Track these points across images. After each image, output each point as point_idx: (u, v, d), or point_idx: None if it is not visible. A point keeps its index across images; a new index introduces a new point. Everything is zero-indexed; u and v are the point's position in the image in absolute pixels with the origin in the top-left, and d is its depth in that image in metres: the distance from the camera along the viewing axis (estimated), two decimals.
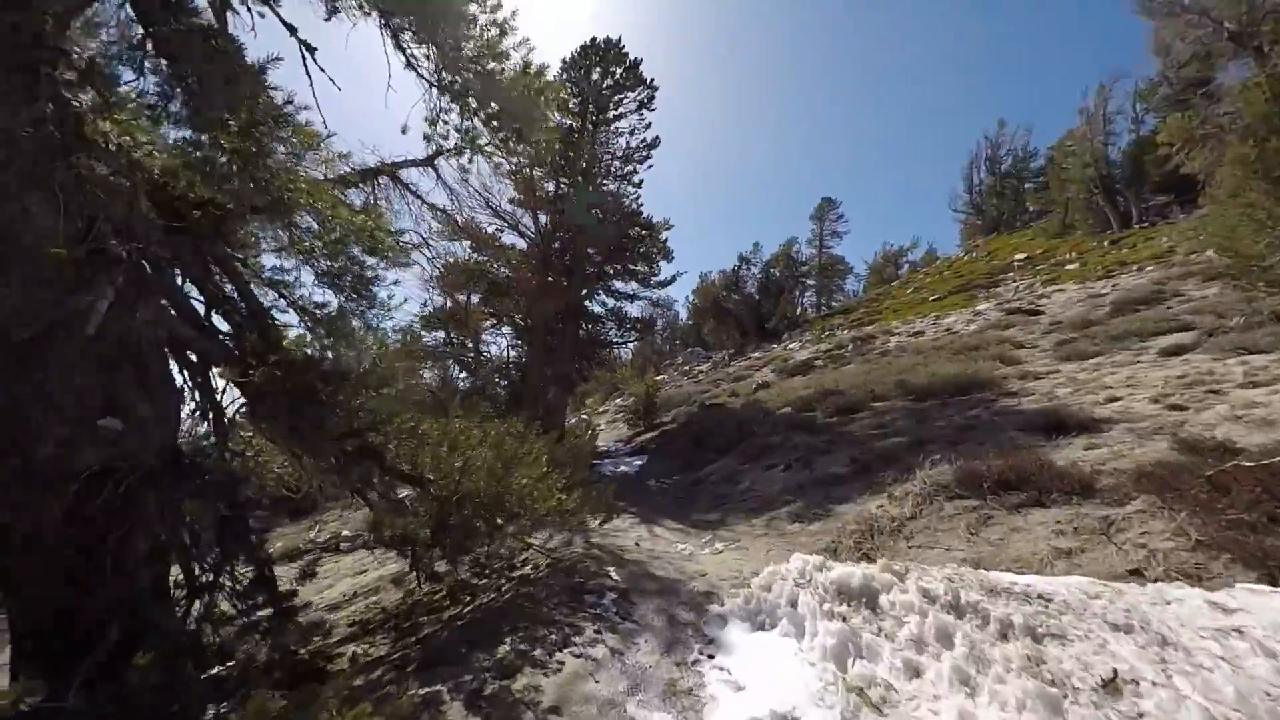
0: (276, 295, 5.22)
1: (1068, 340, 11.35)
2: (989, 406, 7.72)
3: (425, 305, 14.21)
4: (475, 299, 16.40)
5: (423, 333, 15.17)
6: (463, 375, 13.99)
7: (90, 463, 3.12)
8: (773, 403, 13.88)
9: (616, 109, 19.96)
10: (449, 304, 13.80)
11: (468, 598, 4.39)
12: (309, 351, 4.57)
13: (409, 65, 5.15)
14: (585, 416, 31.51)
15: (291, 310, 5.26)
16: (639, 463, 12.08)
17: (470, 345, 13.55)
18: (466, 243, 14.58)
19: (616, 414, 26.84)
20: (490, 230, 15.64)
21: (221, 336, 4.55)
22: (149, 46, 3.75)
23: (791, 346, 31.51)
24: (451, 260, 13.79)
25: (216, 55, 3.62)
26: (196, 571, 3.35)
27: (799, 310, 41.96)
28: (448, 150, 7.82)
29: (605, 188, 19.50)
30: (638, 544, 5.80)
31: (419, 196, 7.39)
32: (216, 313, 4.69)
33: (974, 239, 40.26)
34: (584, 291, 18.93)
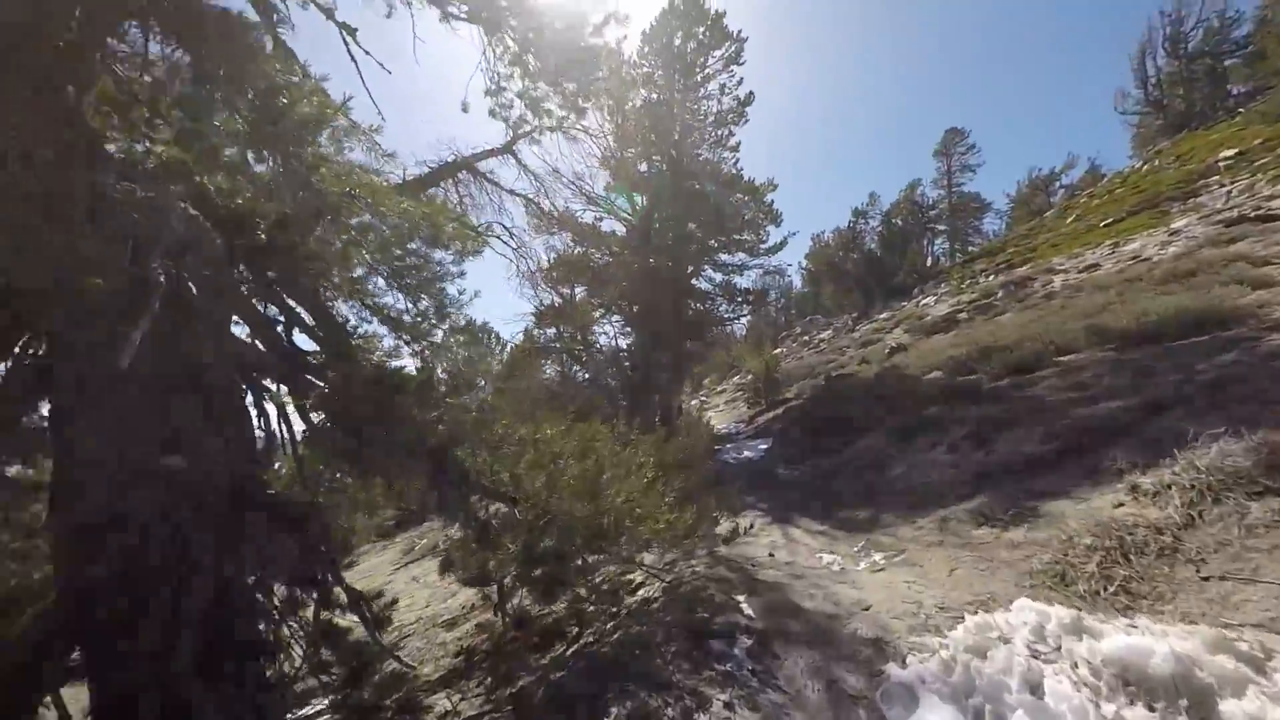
0: (361, 305, 4.89)
1: None
2: (1251, 348, 5.54)
3: (537, 302, 14.09)
4: (581, 291, 16.07)
5: (536, 330, 15.16)
6: (575, 370, 13.69)
7: (145, 507, 2.83)
8: (914, 368, 11.91)
9: (703, 70, 18.48)
10: (556, 300, 13.53)
11: (573, 627, 3.71)
12: (382, 361, 4.12)
13: (445, 17, 4.45)
14: (702, 399, 30.62)
15: (378, 321, 4.90)
16: (763, 446, 10.90)
17: (579, 338, 13.20)
18: (568, 234, 14.23)
19: (735, 393, 25.57)
20: (588, 219, 15.18)
21: (308, 356, 4.25)
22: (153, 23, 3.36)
23: (925, 302, 27.95)
24: (555, 255, 13.49)
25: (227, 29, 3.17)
26: (262, 626, 2.96)
27: (929, 261, 37.45)
28: (524, 132, 7.22)
29: (700, 157, 18.24)
30: (772, 555, 4.75)
31: (499, 186, 6.88)
32: (301, 331, 4.40)
33: (1154, 144, 32.87)
34: (689, 269, 17.90)
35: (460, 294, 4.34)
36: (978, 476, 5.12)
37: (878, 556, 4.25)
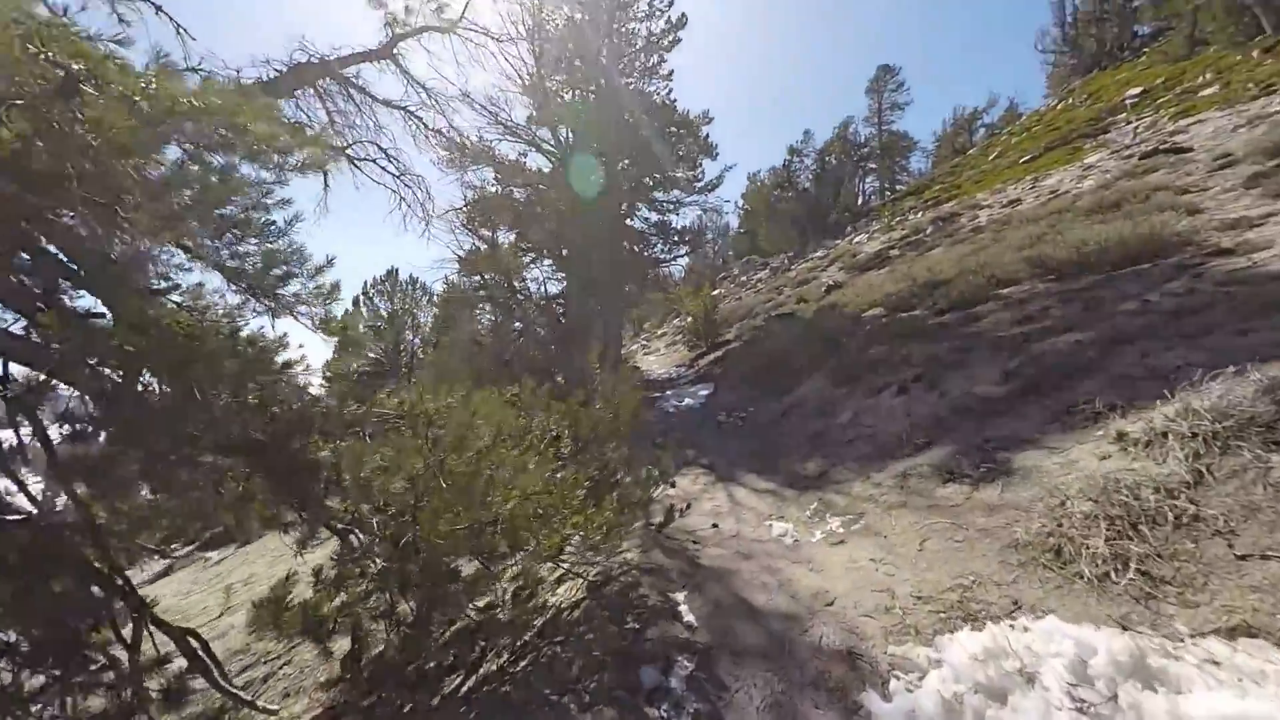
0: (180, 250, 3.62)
1: (1267, 173, 8.20)
2: (1199, 275, 5.24)
3: (455, 246, 12.59)
4: (507, 235, 14.63)
5: (458, 278, 13.72)
6: (502, 320, 12.50)
7: None
8: (854, 304, 11.55)
9: None
10: (478, 243, 12.12)
11: (472, 649, 2.92)
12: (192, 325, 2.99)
13: None
14: (644, 343, 29.99)
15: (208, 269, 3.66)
16: (705, 392, 10.34)
17: (508, 285, 11.97)
18: (489, 171, 12.66)
19: (675, 336, 25.02)
20: (511, 154, 13.56)
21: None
22: None
23: (858, 240, 28.00)
24: (472, 193, 11.95)
25: None
26: None
27: (861, 200, 37.60)
28: (407, 31, 5.75)
29: (630, 86, 16.66)
30: (716, 526, 4.11)
31: (372, 98, 5.45)
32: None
33: (1068, 83, 33.57)
34: (622, 208, 16.68)
35: (287, 223, 3.17)
36: (934, 423, 4.61)
37: (834, 523, 3.67)
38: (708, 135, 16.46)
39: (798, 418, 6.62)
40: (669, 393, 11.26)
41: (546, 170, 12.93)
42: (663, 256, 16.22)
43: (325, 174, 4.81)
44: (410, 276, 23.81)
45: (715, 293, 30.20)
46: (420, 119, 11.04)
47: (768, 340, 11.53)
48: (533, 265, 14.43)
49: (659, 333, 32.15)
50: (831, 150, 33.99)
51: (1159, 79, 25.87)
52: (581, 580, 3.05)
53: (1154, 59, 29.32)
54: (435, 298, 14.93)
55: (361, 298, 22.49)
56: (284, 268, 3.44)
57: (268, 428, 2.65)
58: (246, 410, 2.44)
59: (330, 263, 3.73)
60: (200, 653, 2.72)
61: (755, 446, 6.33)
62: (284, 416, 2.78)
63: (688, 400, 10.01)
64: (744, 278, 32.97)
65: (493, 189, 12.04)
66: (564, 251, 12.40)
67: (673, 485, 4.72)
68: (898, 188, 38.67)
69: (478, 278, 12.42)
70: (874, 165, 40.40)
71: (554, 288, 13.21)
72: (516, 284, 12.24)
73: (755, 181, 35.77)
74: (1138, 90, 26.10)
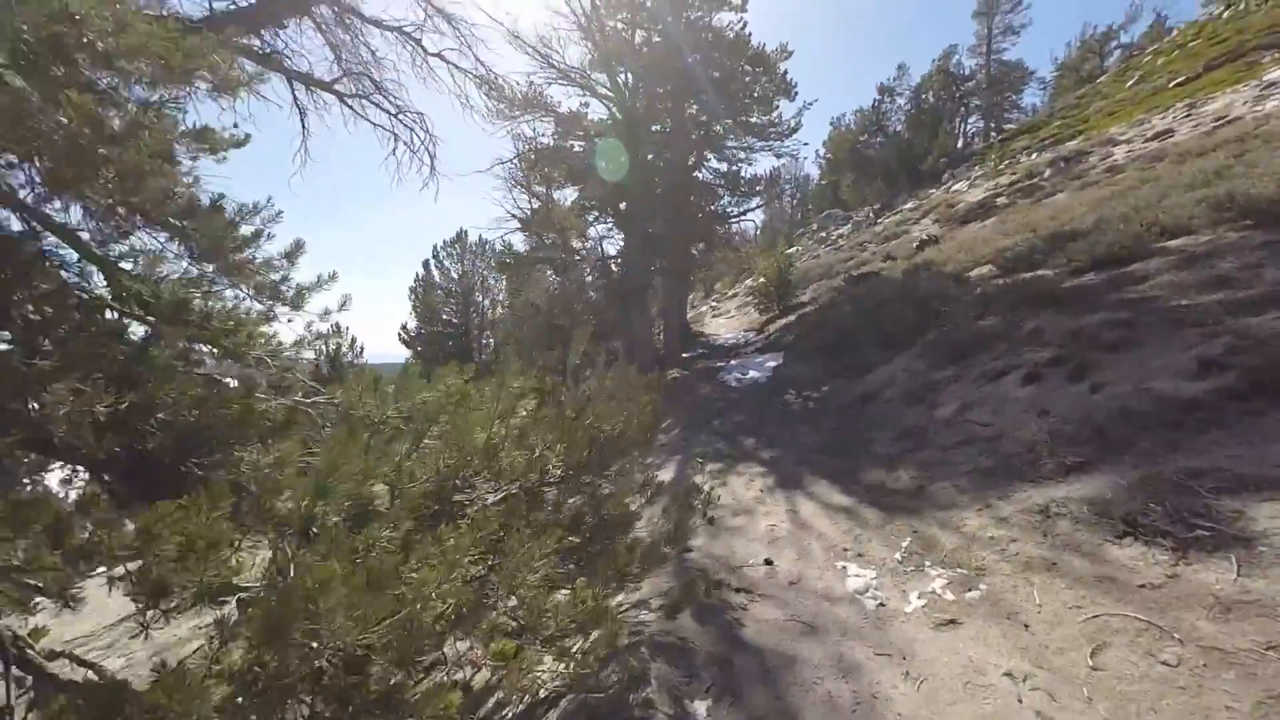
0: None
1: None
2: None
3: (511, 205, 11.80)
4: (568, 193, 13.68)
5: (509, 240, 13.04)
6: (557, 282, 11.71)
7: None
8: (954, 263, 9.68)
9: None
10: (532, 200, 11.27)
11: None
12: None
13: None
14: (713, 304, 28.55)
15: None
16: (773, 364, 9.09)
17: (562, 245, 11.10)
18: (545, 122, 11.63)
19: (746, 298, 23.41)
20: (569, 104, 12.40)
21: None
22: None
23: (956, 188, 24.57)
24: (524, 146, 11.03)
25: None
26: None
27: (962, 143, 33.16)
28: None
29: (698, 21, 14.83)
30: (770, 564, 3.08)
31: (369, 21, 4.52)
32: None
33: None
34: (690, 159, 15.18)
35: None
36: (1089, 431, 3.24)
37: (938, 580, 2.54)
38: (785, 72, 14.43)
39: (883, 405, 5.33)
40: (733, 362, 10.09)
41: (604, 119, 11.71)
42: (732, 211, 14.66)
43: (305, 115, 4.03)
44: (480, 238, 23.66)
45: (790, 250, 28.02)
46: (420, 43, 10.18)
47: (847, 305, 9.99)
48: (593, 223, 13.45)
49: (730, 294, 30.48)
50: (929, 86, 29.77)
51: None
52: (565, 667, 2.13)
53: None
54: (494, 260, 14.41)
55: (431, 261, 22.65)
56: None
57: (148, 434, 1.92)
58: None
59: (266, 223, 2.94)
60: None
61: (828, 439, 5.15)
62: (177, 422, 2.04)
63: (753, 373, 8.82)
64: (823, 234, 30.31)
65: (545, 140, 11.06)
66: (623, 206, 11.31)
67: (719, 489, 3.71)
68: (1007, 127, 33.61)
69: (534, 237, 11.65)
70: (979, 102, 35.32)
71: (612, 248, 12.21)
72: (576, 243, 11.35)
73: (839, 126, 32.25)
74: None
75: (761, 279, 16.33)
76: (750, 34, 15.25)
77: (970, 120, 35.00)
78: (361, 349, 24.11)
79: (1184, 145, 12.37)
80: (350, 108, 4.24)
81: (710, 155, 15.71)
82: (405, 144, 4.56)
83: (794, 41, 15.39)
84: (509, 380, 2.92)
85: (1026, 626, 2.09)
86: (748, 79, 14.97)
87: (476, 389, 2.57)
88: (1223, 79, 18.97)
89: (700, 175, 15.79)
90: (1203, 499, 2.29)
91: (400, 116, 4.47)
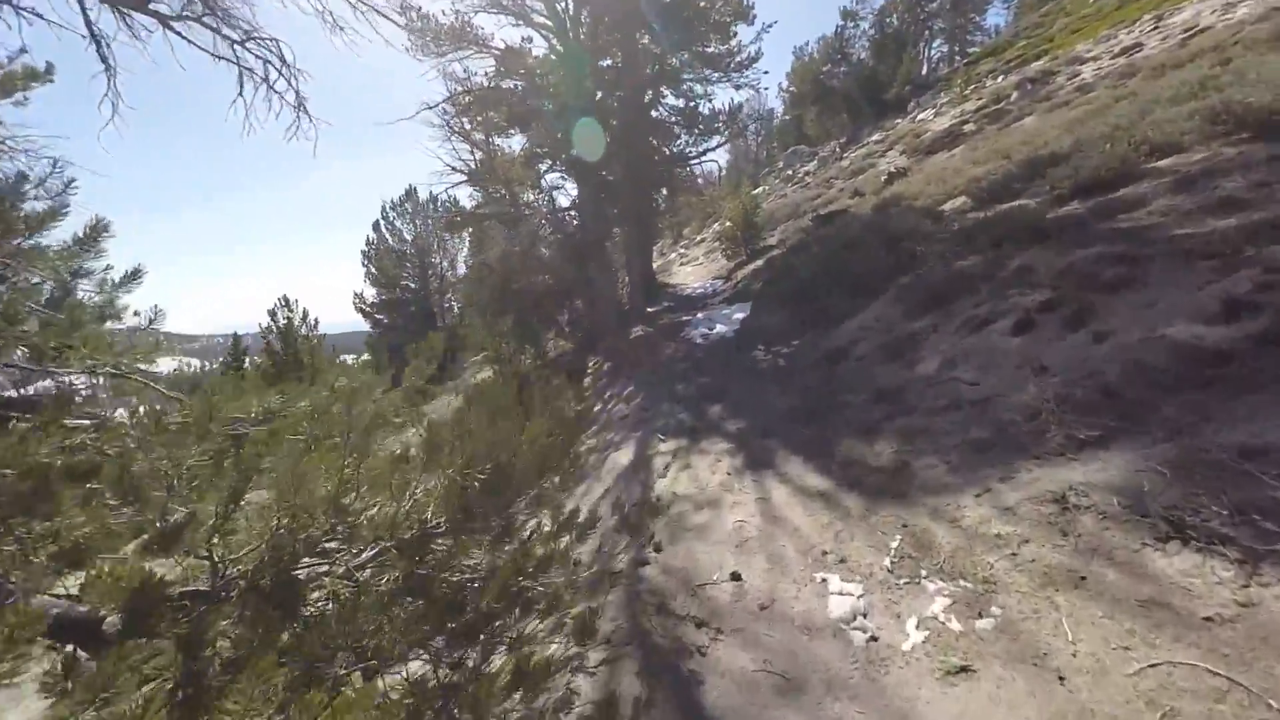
0: None
1: None
2: None
3: (450, 154, 10.55)
4: (513, 140, 12.40)
5: (454, 195, 11.84)
6: (508, 239, 10.70)
7: None
8: (925, 196, 9.06)
9: None
10: (474, 150, 10.06)
11: None
12: None
13: None
14: (681, 251, 27.61)
15: None
16: (740, 315, 8.49)
17: (508, 197, 10.01)
18: (478, 57, 10.23)
19: (714, 243, 22.57)
20: (501, 35, 10.91)
21: None
22: None
23: (922, 117, 23.63)
24: (456, 87, 9.74)
25: None
26: None
27: (926, 69, 31.87)
28: None
29: None
30: (738, 578, 2.56)
31: None
32: None
33: None
34: (646, 96, 13.92)
35: None
36: (1099, 391, 2.73)
37: (940, 601, 2.04)
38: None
39: (857, 361, 4.80)
40: (699, 316, 9.45)
41: (543, 54, 10.40)
42: (692, 151, 13.62)
43: (106, 44, 3.01)
44: (430, 194, 22.01)
45: (757, 190, 27.03)
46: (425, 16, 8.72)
47: (815, 247, 9.33)
48: (545, 173, 12.30)
49: (698, 239, 29.51)
50: (893, 9, 28.17)
51: None
52: None
53: None
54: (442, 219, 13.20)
55: (381, 221, 21.01)
56: None
57: None
58: None
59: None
60: None
61: (800, 401, 4.62)
62: None
63: (719, 327, 8.21)
64: (789, 171, 29.25)
65: (480, 80, 9.74)
66: (574, 152, 10.24)
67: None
68: (971, 50, 32.33)
69: (481, 191, 10.55)
70: (943, 25, 33.77)
71: (565, 199, 11.18)
72: (527, 195, 10.31)
73: (802, 56, 30.55)
74: None
75: (727, 223, 15.51)
76: None
77: (935, 45, 33.56)
78: (316, 321, 22.54)
79: (1156, 58, 11.72)
80: (176, 32, 3.19)
81: (667, 91, 14.47)
82: (261, 79, 3.54)
83: None
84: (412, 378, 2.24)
85: (1061, 679, 1.60)
86: (702, 3, 13.59)
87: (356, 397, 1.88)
88: None
89: (657, 114, 14.58)
90: (1269, 489, 1.79)
91: (249, 44, 3.42)
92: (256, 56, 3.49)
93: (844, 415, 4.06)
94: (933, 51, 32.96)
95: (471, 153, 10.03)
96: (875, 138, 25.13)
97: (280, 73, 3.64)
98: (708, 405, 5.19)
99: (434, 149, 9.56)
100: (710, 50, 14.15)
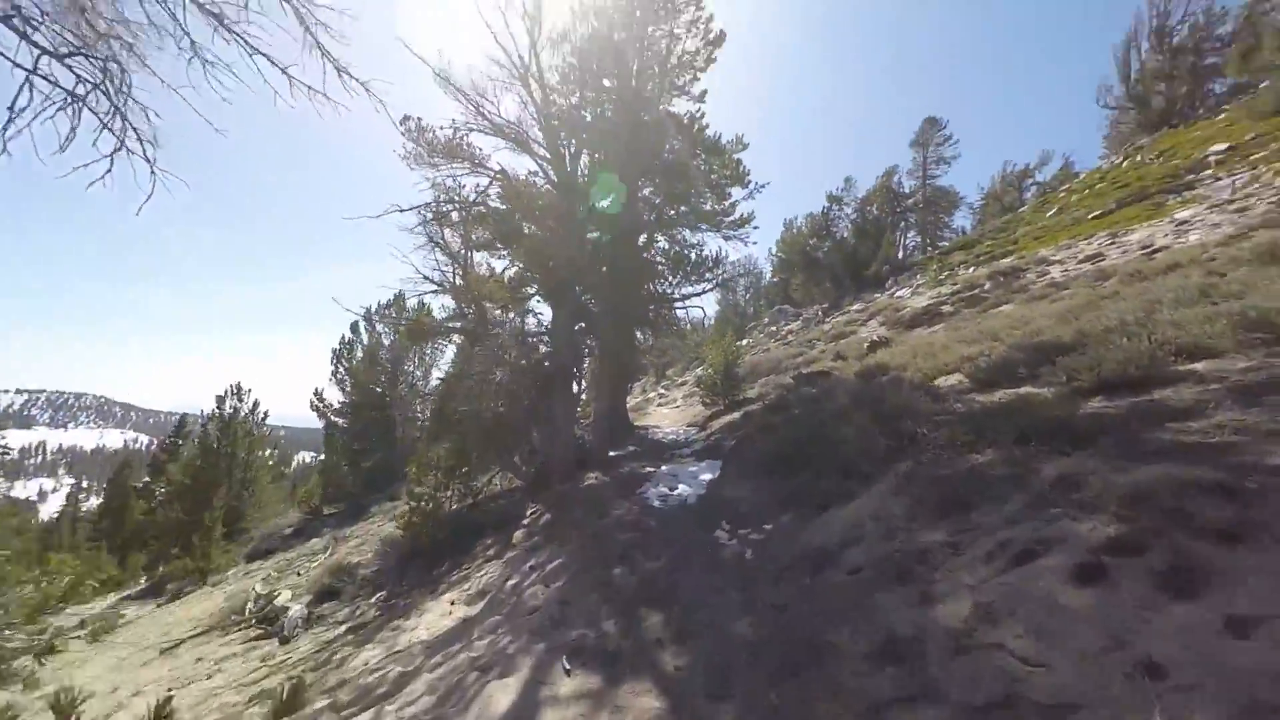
0: None
1: None
2: None
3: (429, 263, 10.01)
4: (497, 260, 12.13)
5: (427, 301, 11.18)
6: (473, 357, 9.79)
7: None
8: (913, 369, 8.42)
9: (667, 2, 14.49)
10: (451, 260, 9.55)
11: None
12: None
13: None
14: (661, 391, 27.05)
15: None
16: (708, 476, 7.27)
17: (470, 313, 9.28)
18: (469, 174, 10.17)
19: (695, 387, 22.05)
20: (499, 159, 11.12)
21: None
22: None
23: (899, 294, 24.75)
24: (445, 198, 9.47)
25: None
26: None
27: (902, 254, 34.40)
28: None
29: (653, 105, 14.33)
30: None
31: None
32: None
33: (1131, 141, 30.15)
34: (640, 239, 14.09)
35: None
36: None
37: None
38: (740, 162, 13.87)
39: (851, 576, 3.51)
40: (664, 469, 8.21)
41: (540, 182, 10.44)
42: (679, 294, 13.40)
43: None
44: (420, 301, 21.70)
45: (741, 342, 27.18)
46: (425, 133, 8.73)
47: (797, 408, 8.43)
48: (529, 299, 11.81)
49: (679, 380, 29.20)
50: (874, 200, 31.11)
51: (1248, 135, 22.37)
52: None
53: (1237, 115, 25.81)
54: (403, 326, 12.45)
55: (362, 323, 20.40)
56: None
57: None
58: None
59: None
60: None
61: (770, 630, 3.24)
62: None
63: (682, 487, 6.94)
64: (774, 328, 29.94)
65: (470, 193, 9.54)
66: (555, 281, 9.77)
67: None
68: (940, 244, 35.38)
69: (450, 303, 9.88)
70: (916, 219, 37.36)
71: (536, 323, 10.50)
72: (495, 313, 9.59)
73: (791, 228, 33.09)
74: (1223, 147, 22.64)
75: (708, 370, 14.92)
76: (708, 124, 14.82)
77: (909, 235, 36.70)
78: (265, 414, 20.70)
79: (1124, 267, 12.05)
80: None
81: (660, 237, 14.73)
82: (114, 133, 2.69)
83: (752, 151, 15.00)
84: None
85: None
86: (702, 166, 14.34)
87: None
88: (1134, 215, 20.04)
89: (648, 255, 14.70)
90: None
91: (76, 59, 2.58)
92: (96, 87, 2.67)
93: (833, 673, 2.68)
94: (907, 240, 35.92)
95: (451, 265, 9.50)
96: (856, 307, 26.06)
97: (128, 122, 2.82)
98: (646, 612, 3.74)
99: (408, 254, 8.99)
100: (706, 208, 14.66)
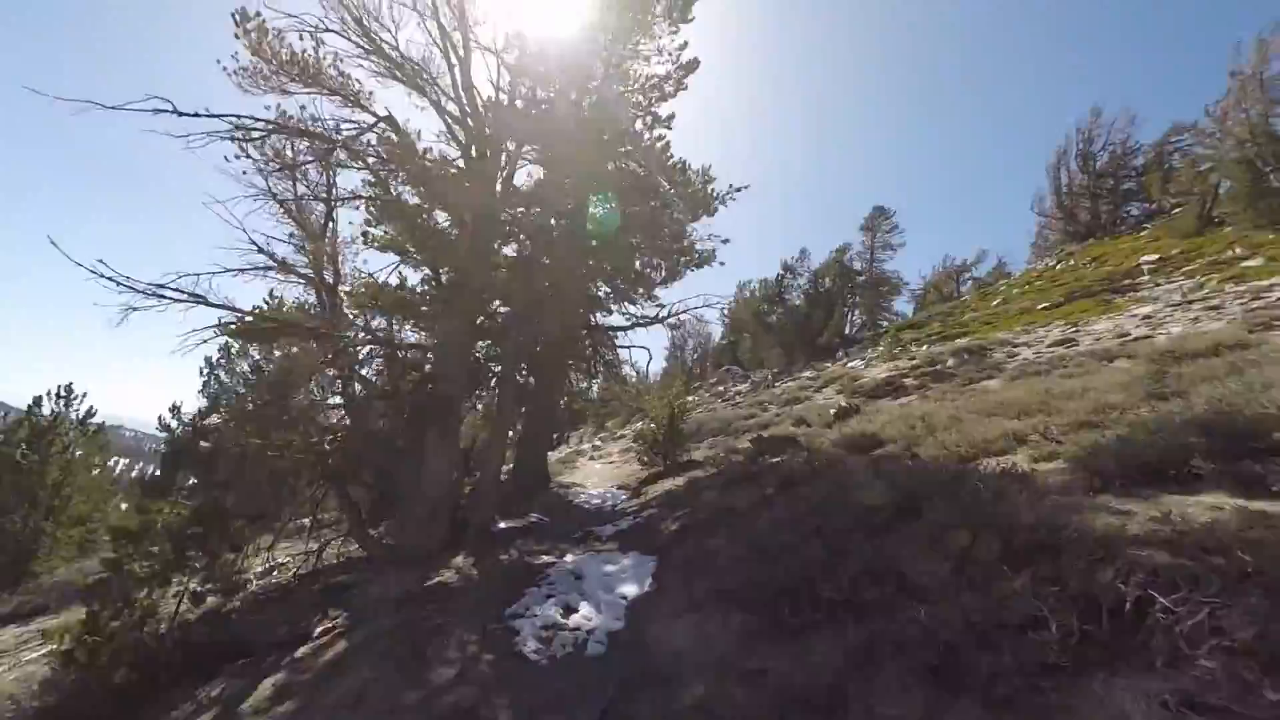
0: None
1: None
2: None
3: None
4: (372, 231, 9.05)
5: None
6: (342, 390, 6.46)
7: None
8: (929, 445, 5.94)
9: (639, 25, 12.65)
10: (293, 226, 6.46)
11: None
12: None
13: None
14: (597, 443, 23.89)
15: None
16: (630, 589, 4.24)
17: (326, 303, 6.15)
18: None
19: (633, 441, 19.02)
20: (387, 103, 8.25)
21: None
22: None
23: (852, 365, 23.18)
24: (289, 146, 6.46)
25: None
26: None
27: (849, 329, 33.59)
28: None
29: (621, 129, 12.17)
30: None
31: None
32: None
33: (1059, 247, 31.25)
34: (585, 266, 11.44)
35: None
36: None
37: None
38: (710, 189, 11.69)
39: None
40: (566, 562, 5.11)
41: (453, 157, 7.65)
42: (620, 324, 10.67)
43: None
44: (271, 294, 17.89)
45: (687, 399, 24.57)
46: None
47: (760, 483, 5.62)
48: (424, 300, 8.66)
49: (618, 434, 26.10)
50: (827, 272, 30.40)
51: (1175, 250, 23.07)
52: None
53: (1159, 233, 27.02)
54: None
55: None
56: None
57: None
58: None
59: None
60: None
61: None
62: None
63: (585, 610, 3.84)
64: (721, 387, 27.69)
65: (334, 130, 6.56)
66: (444, 277, 6.85)
67: None
68: (880, 324, 35.10)
69: (299, 285, 6.71)
70: (860, 300, 37.14)
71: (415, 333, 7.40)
72: (350, 313, 6.48)
73: (743, 290, 31.80)
74: (1154, 257, 23.18)
75: (649, 424, 12.05)
76: (673, 153, 12.68)
77: (855, 313, 36.21)
78: (99, 425, 15.98)
79: (1114, 351, 10.48)
80: None
81: (607, 264, 12.11)
82: None
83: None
84: None
85: None
86: (668, 190, 12.07)
87: None
88: (1085, 308, 19.51)
89: (593, 287, 12.04)
90: None
91: None
92: None
93: None
94: (854, 317, 35.33)
95: (299, 232, 6.39)
96: (807, 374, 24.26)
97: None
98: None
99: (234, 211, 5.85)
100: (662, 238, 12.26)
